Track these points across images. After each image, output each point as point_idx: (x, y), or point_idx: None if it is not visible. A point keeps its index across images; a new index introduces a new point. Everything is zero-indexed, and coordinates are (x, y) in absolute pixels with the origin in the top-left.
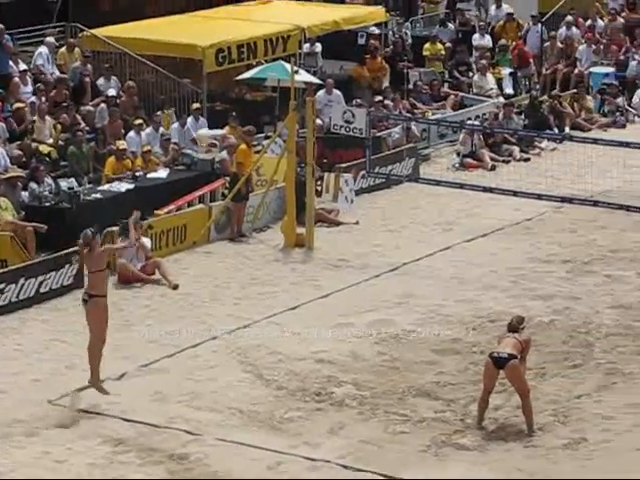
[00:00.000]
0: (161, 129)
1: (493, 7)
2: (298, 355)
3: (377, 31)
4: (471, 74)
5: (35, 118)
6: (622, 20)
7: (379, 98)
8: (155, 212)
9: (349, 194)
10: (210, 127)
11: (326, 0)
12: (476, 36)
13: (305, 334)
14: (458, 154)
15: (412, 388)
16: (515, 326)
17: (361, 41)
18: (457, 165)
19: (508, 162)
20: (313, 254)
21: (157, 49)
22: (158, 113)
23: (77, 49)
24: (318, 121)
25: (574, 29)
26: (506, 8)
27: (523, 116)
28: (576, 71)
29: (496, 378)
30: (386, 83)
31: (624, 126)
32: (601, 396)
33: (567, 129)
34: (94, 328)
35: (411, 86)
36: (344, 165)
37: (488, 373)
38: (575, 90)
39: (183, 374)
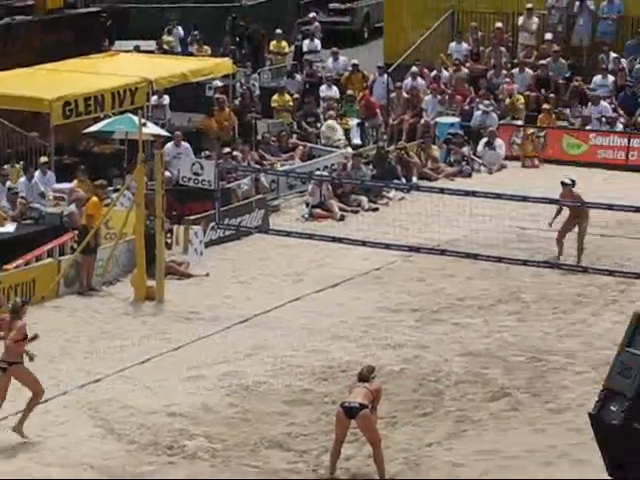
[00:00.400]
0: (8, 183)
1: (330, 59)
2: (149, 409)
3: (220, 83)
4: (319, 125)
5: None
6: (466, 70)
7: (227, 150)
8: (3, 267)
9: (199, 246)
10: (58, 180)
11: (164, 52)
12: (323, 87)
13: (156, 387)
14: (307, 205)
15: (264, 439)
16: (366, 375)
17: (209, 93)
18: (306, 216)
19: (357, 212)
20: (163, 307)
21: (3, 102)
22: (5, 167)
23: None
24: (167, 173)
25: (419, 79)
26: (343, 60)
27: (371, 166)
28: (422, 121)
29: (347, 428)
30: (234, 135)
31: (470, 175)
32: (451, 444)
33: (414, 179)
34: (32, 387)
35: (259, 137)
36: (193, 217)
37: (339, 423)
38: (421, 140)
39: (33, 430)
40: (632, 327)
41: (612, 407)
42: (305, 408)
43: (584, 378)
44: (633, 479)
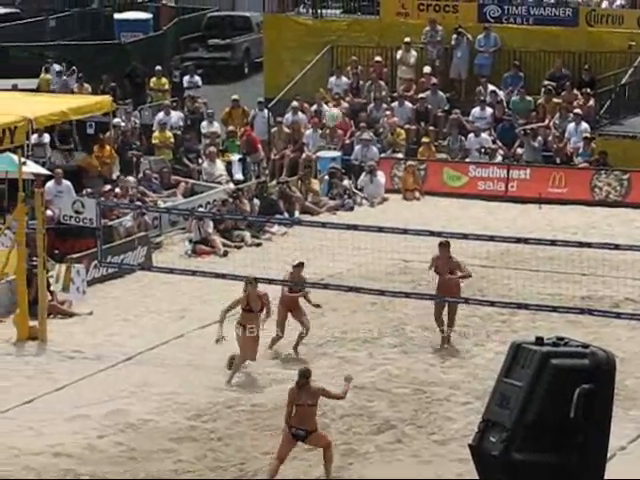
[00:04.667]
0: None
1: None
2: (34, 449)
3: (107, 119)
4: (200, 161)
5: None
6: (346, 104)
7: (109, 187)
8: None
9: (81, 284)
10: None
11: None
12: (204, 123)
13: (41, 428)
14: (190, 241)
15: (151, 477)
16: (304, 381)
17: (90, 130)
18: (189, 252)
19: (240, 247)
20: (47, 346)
21: None
22: None
23: None
24: (48, 212)
25: (300, 114)
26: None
27: (254, 201)
28: (304, 155)
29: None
30: (116, 172)
31: (352, 209)
32: (338, 476)
33: (297, 213)
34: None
35: (141, 174)
36: (76, 255)
37: (287, 444)
38: (303, 174)
39: None
40: (509, 357)
41: (492, 438)
42: (191, 445)
43: (468, 409)
44: None
